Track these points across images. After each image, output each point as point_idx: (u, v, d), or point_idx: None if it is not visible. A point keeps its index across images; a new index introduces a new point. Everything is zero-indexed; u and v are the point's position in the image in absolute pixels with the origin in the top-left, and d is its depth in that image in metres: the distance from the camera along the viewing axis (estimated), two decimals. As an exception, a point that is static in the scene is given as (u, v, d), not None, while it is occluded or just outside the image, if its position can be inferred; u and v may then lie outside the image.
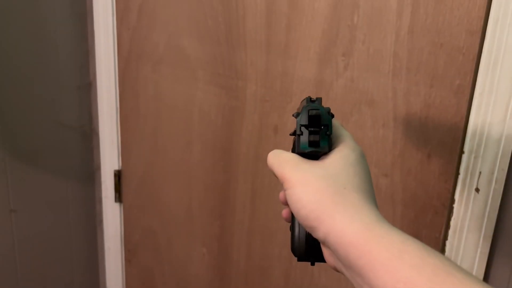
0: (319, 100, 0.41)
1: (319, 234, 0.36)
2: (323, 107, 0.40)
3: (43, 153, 1.10)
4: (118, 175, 1.18)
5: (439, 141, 0.68)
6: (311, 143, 0.39)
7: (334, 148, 0.40)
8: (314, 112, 0.39)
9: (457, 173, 0.68)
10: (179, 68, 0.98)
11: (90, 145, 1.18)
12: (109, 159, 1.17)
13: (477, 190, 0.66)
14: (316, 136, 0.39)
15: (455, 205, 0.69)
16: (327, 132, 0.39)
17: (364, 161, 0.40)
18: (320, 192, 0.36)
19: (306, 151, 0.39)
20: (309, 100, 0.42)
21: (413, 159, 0.71)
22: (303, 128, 0.39)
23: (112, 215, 1.21)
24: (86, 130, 1.17)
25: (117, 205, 1.20)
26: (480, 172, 0.65)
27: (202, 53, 0.94)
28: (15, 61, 1.00)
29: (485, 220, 0.66)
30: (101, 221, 1.24)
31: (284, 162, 0.40)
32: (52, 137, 1.11)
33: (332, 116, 0.40)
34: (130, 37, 1.05)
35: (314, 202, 0.36)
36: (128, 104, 1.11)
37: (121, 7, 1.05)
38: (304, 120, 0.39)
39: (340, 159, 0.39)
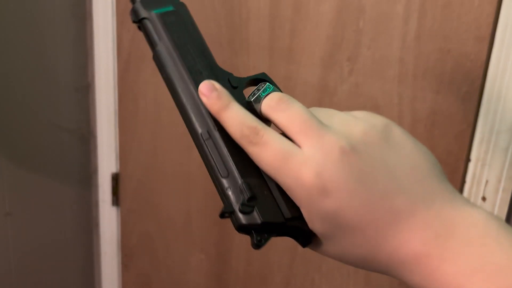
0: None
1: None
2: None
3: (39, 156, 1.08)
4: (115, 179, 1.16)
5: (445, 148, 0.67)
6: None
7: None
8: None
9: (463, 181, 0.67)
10: (180, 71, 0.97)
11: (87, 148, 1.17)
12: (107, 162, 1.16)
13: (483, 198, 0.65)
14: None
15: (461, 214, 0.68)
16: None
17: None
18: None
19: None
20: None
21: (418, 167, 0.71)
22: None
23: (109, 219, 1.20)
24: (84, 133, 1.15)
25: (114, 208, 1.19)
26: (487, 181, 0.64)
27: (203, 56, 0.93)
28: (13, 62, 0.99)
29: (491, 229, 0.65)
30: (97, 225, 1.22)
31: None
32: (49, 139, 1.10)
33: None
34: (130, 39, 1.04)
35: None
36: (127, 106, 1.10)
37: (121, 9, 1.04)
38: None
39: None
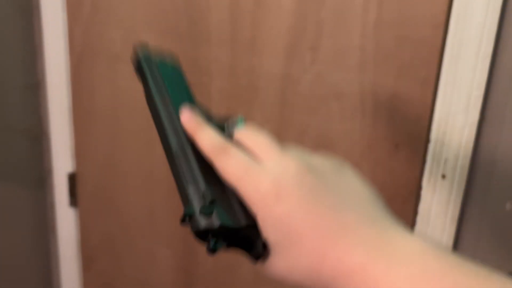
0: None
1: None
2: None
3: (-12, 158, 1.03)
4: (72, 179, 1.12)
5: (406, 131, 0.71)
6: None
7: None
8: None
9: (424, 161, 0.71)
10: (138, 65, 0.95)
11: (40, 148, 1.12)
12: (62, 162, 1.11)
13: (443, 176, 0.69)
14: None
15: (423, 192, 0.72)
16: None
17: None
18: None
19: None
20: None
21: (381, 150, 0.74)
22: None
23: (66, 221, 1.15)
24: (36, 132, 1.10)
25: (71, 210, 1.14)
26: (445, 159, 0.68)
27: (163, 49, 0.91)
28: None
29: (451, 204, 0.70)
30: (54, 227, 1.17)
31: None
32: (-2, 141, 1.04)
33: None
34: (82, 33, 1.00)
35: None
36: (82, 103, 1.06)
37: (72, 1, 1.00)
38: None
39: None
